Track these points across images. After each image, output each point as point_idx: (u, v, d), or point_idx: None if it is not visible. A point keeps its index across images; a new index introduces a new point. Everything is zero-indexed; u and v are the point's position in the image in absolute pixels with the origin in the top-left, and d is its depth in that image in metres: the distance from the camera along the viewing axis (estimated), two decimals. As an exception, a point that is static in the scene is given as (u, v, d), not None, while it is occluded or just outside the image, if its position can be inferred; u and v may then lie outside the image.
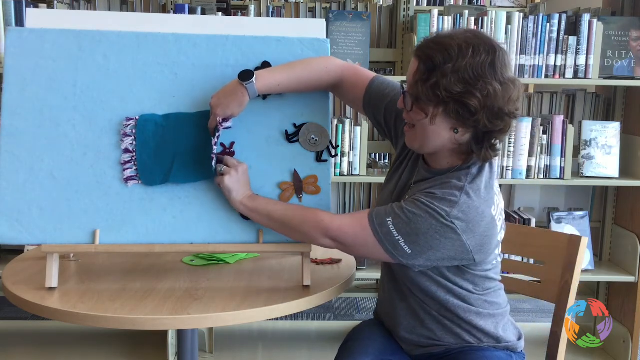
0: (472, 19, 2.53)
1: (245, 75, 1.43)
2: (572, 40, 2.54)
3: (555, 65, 2.56)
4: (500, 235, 1.43)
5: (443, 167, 1.42)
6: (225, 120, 1.46)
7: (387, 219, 1.34)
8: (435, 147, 1.38)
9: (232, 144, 1.52)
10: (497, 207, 1.40)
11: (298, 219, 1.44)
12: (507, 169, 2.58)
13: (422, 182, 1.44)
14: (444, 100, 1.30)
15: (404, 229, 1.33)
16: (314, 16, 3.04)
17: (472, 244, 1.33)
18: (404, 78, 2.53)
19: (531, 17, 2.54)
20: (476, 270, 1.42)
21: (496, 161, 1.42)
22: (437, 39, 1.33)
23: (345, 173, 2.56)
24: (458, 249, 1.34)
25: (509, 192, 2.90)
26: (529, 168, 2.59)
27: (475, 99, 1.28)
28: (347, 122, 2.53)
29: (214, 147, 1.46)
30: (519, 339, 1.53)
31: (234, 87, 1.44)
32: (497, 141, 1.37)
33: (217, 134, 1.46)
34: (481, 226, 1.34)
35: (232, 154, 1.52)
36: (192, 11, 2.61)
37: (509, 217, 2.78)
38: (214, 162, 1.47)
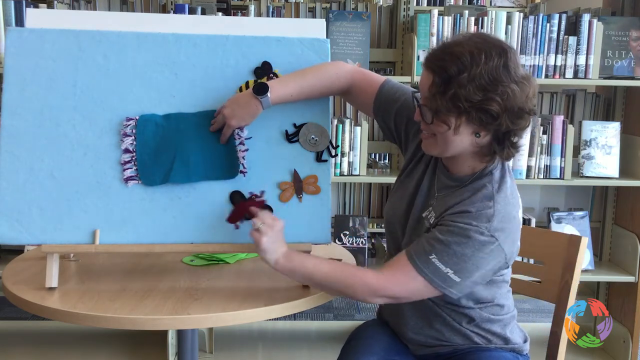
0: (472, 19, 2.53)
1: (260, 89, 1.44)
2: (572, 40, 2.54)
3: (555, 65, 2.56)
4: None
5: (465, 173, 1.41)
6: (240, 129, 1.49)
7: (431, 257, 1.33)
8: (457, 152, 1.38)
9: (263, 192, 1.51)
10: (521, 208, 1.42)
11: (342, 282, 1.38)
12: (507, 169, 2.58)
13: (445, 189, 1.43)
14: (466, 110, 1.29)
15: (450, 261, 1.32)
16: (314, 16, 3.04)
17: (508, 250, 1.35)
18: (404, 78, 2.56)
19: (531, 17, 2.54)
20: (495, 275, 1.42)
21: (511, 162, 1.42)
22: (446, 49, 1.31)
23: (345, 173, 2.56)
24: (499, 260, 1.34)
25: (509, 192, 2.90)
26: (529, 168, 2.59)
27: (495, 104, 1.28)
28: (347, 122, 2.53)
29: (239, 147, 1.50)
30: (525, 341, 1.54)
31: (249, 99, 1.45)
32: (517, 138, 1.36)
33: (238, 138, 1.50)
34: (515, 231, 1.36)
35: (262, 202, 1.50)
36: (192, 11, 2.61)
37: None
38: (242, 163, 1.50)
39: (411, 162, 1.54)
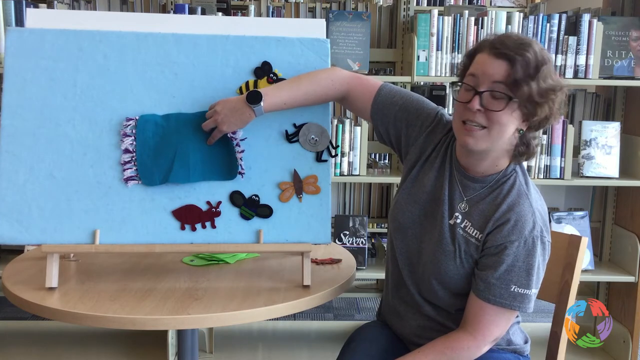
0: (472, 19, 2.53)
1: (254, 98, 1.44)
2: (572, 40, 2.54)
3: (555, 65, 2.56)
4: None
5: (487, 172, 1.41)
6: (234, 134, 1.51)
7: (512, 289, 1.35)
8: (498, 147, 1.37)
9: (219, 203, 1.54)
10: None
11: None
12: (507, 169, 2.58)
13: (471, 192, 1.42)
14: (539, 103, 1.30)
15: (529, 281, 1.35)
16: (314, 16, 3.04)
17: (550, 238, 1.41)
18: (404, 78, 2.56)
19: (531, 17, 2.54)
20: None
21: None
22: (518, 41, 1.31)
23: (345, 173, 2.56)
24: (549, 252, 1.41)
25: (509, 192, 2.90)
26: (529, 168, 2.59)
27: (551, 103, 1.32)
28: (347, 122, 2.53)
29: (236, 149, 1.51)
30: (526, 342, 1.55)
31: (241, 106, 1.45)
32: (537, 141, 1.40)
33: (234, 140, 1.51)
34: (547, 220, 1.41)
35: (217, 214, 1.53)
36: (192, 11, 2.61)
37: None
38: (240, 164, 1.52)
39: (415, 166, 1.51)
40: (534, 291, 1.37)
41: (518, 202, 1.36)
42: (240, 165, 1.52)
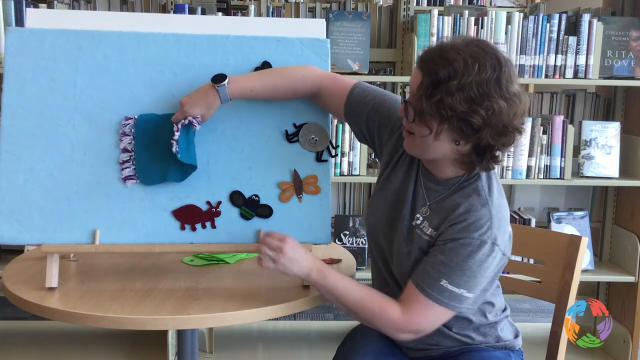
0: (472, 19, 2.53)
1: (218, 78, 1.43)
2: (572, 40, 2.54)
3: (555, 65, 2.56)
4: None
5: (449, 176, 1.40)
6: (194, 118, 1.44)
7: (442, 283, 1.32)
8: (436, 156, 1.37)
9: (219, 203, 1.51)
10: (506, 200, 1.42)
11: (368, 315, 1.38)
12: (507, 169, 2.58)
13: (434, 194, 1.41)
14: (448, 118, 1.27)
15: (461, 281, 1.31)
16: (314, 16, 3.03)
17: (506, 249, 1.36)
18: (404, 78, 2.56)
19: (531, 17, 2.54)
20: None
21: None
22: (442, 52, 1.29)
23: (345, 173, 2.56)
24: (502, 261, 1.36)
25: (509, 192, 2.90)
26: (529, 168, 2.59)
27: (479, 117, 1.25)
28: (347, 122, 2.53)
29: (176, 134, 1.42)
30: (516, 337, 1.53)
31: (207, 88, 1.45)
32: (499, 153, 1.34)
33: (180, 124, 1.43)
34: (507, 226, 1.37)
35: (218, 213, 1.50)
36: (192, 11, 2.61)
37: (509, 217, 2.78)
38: (174, 148, 1.42)
39: (387, 167, 1.52)
40: (465, 293, 1.31)
41: (476, 207, 1.34)
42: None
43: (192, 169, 1.47)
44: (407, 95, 1.38)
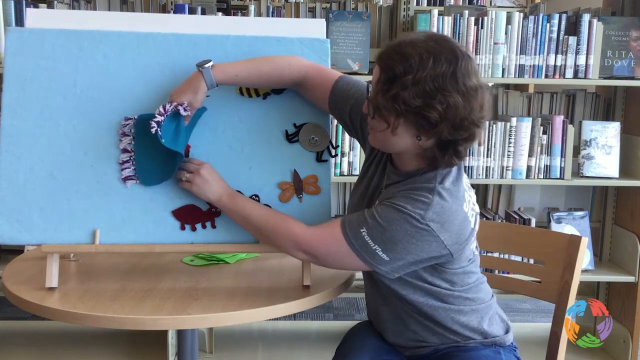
0: (472, 19, 2.53)
1: (203, 62, 1.44)
2: (572, 40, 2.54)
3: (555, 65, 2.56)
4: (475, 230, 1.42)
5: (411, 170, 1.40)
6: (180, 105, 1.42)
7: (361, 230, 1.33)
8: (399, 150, 1.38)
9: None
10: (469, 203, 1.39)
11: (271, 228, 1.41)
12: (507, 169, 2.58)
13: (392, 185, 1.42)
14: (403, 113, 1.28)
15: (379, 238, 1.32)
16: (314, 16, 3.03)
17: (448, 242, 1.33)
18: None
19: (531, 17, 2.54)
20: (453, 268, 1.41)
21: (463, 160, 1.41)
22: (399, 48, 1.29)
23: (345, 173, 2.56)
24: (435, 249, 1.33)
25: (509, 192, 2.90)
26: (529, 168, 2.59)
27: (435, 112, 1.26)
28: (347, 122, 2.53)
29: (157, 117, 1.40)
30: (507, 332, 1.52)
31: (192, 75, 1.46)
32: (462, 148, 1.34)
33: (167, 109, 1.42)
34: (455, 224, 1.34)
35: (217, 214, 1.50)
36: (192, 11, 2.61)
37: (509, 217, 2.78)
38: (153, 130, 1.39)
39: (368, 160, 1.54)
40: (381, 254, 1.32)
41: (422, 188, 1.34)
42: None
43: (180, 157, 1.45)
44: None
